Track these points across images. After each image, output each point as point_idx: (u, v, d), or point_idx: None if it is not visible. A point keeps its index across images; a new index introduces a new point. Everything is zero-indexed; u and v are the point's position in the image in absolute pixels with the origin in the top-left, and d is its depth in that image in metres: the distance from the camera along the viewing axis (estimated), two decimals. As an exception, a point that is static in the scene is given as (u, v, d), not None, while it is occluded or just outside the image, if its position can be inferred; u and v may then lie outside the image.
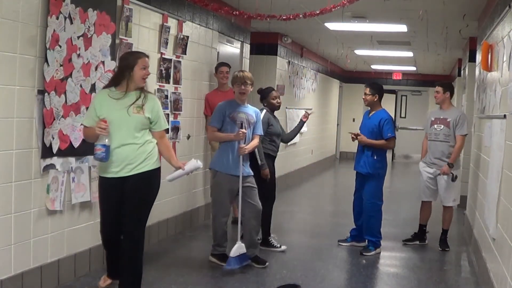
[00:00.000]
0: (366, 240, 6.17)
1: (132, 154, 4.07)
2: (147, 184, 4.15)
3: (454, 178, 6.31)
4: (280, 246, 6.01)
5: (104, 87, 4.28)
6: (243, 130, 5.13)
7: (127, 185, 4.09)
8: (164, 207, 6.13)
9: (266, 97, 6.05)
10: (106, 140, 3.99)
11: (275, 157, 6.09)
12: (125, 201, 4.11)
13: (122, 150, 4.05)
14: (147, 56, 4.22)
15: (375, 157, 6.06)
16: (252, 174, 5.37)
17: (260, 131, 5.41)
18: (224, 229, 5.33)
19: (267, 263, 5.34)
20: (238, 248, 5.15)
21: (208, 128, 5.45)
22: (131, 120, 4.07)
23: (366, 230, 6.16)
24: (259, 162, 5.80)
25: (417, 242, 6.58)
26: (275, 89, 6.41)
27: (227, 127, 5.23)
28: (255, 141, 5.35)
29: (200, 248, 5.96)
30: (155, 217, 5.95)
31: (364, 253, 6.02)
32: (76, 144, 4.47)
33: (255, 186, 5.33)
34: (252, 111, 5.37)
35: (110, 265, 4.42)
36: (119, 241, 4.20)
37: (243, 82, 5.28)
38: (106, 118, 4.01)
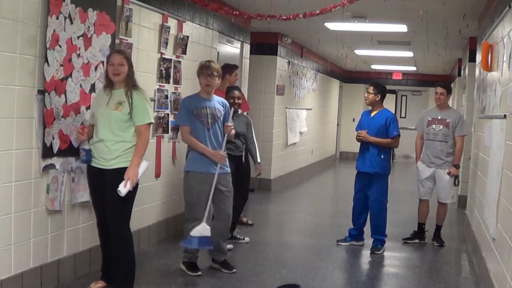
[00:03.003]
0: (373, 239, 6.23)
1: (106, 149, 4.18)
2: (121, 180, 4.15)
3: (456, 183, 6.51)
4: (244, 238, 6.22)
5: (102, 87, 4.45)
6: (222, 153, 4.90)
7: (105, 180, 4.21)
8: (164, 207, 6.13)
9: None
10: (86, 145, 4.28)
11: (240, 156, 6.09)
12: (106, 198, 4.22)
13: (99, 145, 4.21)
14: (121, 53, 4.31)
15: (382, 156, 6.11)
16: (229, 171, 5.06)
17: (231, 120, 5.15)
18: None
19: (234, 270, 5.10)
20: (201, 229, 4.80)
21: (181, 129, 5.04)
22: (110, 116, 4.18)
23: (374, 229, 6.24)
24: (257, 159, 6.11)
25: (417, 241, 6.66)
26: (277, 88, 6.43)
27: (193, 125, 4.91)
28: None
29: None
30: (155, 217, 5.96)
31: (375, 252, 6.11)
32: (76, 144, 4.46)
33: (229, 189, 5.04)
34: (219, 103, 5.02)
35: (104, 264, 4.47)
36: (107, 233, 4.33)
37: (209, 74, 4.91)
38: (95, 114, 4.26)
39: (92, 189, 4.39)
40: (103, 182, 4.22)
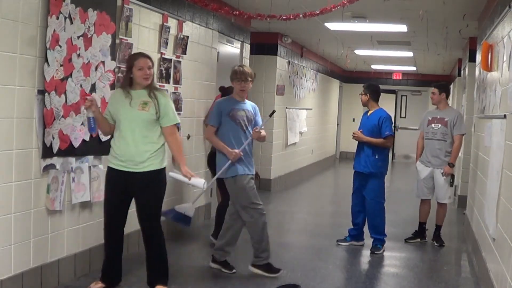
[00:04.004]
0: (373, 239, 6.24)
1: (135, 150, 4.20)
2: (153, 182, 4.31)
3: (451, 183, 6.56)
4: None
5: (120, 87, 4.45)
6: (237, 151, 4.95)
7: (134, 182, 4.25)
8: (163, 207, 6.11)
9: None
10: (90, 113, 4.28)
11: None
12: (136, 199, 4.33)
13: (126, 146, 4.21)
14: (147, 57, 4.31)
15: (376, 156, 6.13)
16: (254, 173, 5.21)
17: (261, 123, 5.24)
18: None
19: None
20: (186, 208, 5.01)
21: (208, 127, 5.23)
22: (137, 117, 4.20)
23: (372, 229, 6.24)
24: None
25: (418, 240, 6.72)
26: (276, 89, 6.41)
27: (226, 125, 5.04)
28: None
29: (200, 248, 5.96)
30: (155, 217, 5.96)
31: (375, 252, 6.12)
32: (76, 144, 4.47)
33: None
34: (251, 106, 5.20)
35: (106, 266, 4.47)
36: (120, 236, 4.41)
37: (243, 79, 5.04)
38: (115, 115, 4.25)
39: (112, 191, 4.34)
40: (126, 184, 4.26)
